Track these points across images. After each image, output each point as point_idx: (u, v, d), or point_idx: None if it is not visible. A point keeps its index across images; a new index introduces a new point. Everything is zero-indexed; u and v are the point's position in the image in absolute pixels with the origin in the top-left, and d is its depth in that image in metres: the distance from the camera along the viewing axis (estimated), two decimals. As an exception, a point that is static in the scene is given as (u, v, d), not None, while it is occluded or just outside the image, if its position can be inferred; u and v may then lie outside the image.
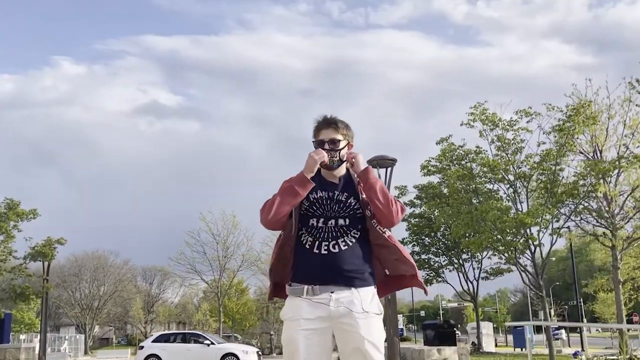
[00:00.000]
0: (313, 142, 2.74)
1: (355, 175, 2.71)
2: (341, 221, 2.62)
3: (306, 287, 2.57)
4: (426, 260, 28.38)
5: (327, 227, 2.61)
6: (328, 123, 2.74)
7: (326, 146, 2.68)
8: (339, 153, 2.69)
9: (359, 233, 2.62)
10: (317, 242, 2.59)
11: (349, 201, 2.68)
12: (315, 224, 2.62)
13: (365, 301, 2.57)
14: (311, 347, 2.53)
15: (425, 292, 2.70)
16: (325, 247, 2.57)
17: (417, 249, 28.14)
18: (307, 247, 2.60)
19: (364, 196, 2.63)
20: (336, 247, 2.58)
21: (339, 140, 2.71)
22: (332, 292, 2.55)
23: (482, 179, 19.66)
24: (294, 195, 2.60)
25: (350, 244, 2.60)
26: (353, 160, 2.68)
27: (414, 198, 25.11)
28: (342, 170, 2.77)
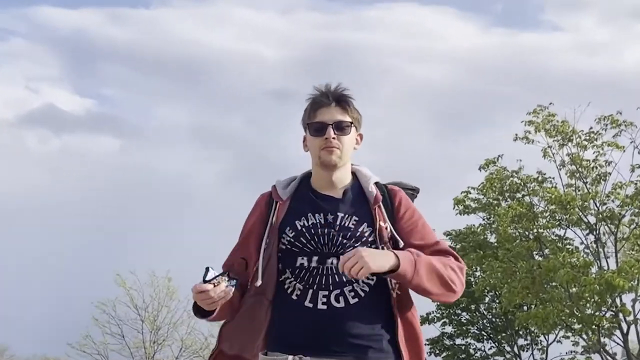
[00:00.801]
0: (307, 125, 2.73)
1: (370, 189, 2.72)
2: None
3: (291, 358, 2.61)
4: (463, 348, 26.88)
5: (325, 269, 2.62)
6: (334, 98, 2.71)
7: (330, 132, 2.65)
8: (345, 144, 2.72)
9: (374, 278, 2.62)
10: (310, 292, 2.62)
11: (359, 229, 2.66)
12: (306, 264, 2.63)
13: None
14: None
15: None
16: (324, 300, 2.60)
17: (449, 329, 26.80)
18: (295, 298, 2.64)
19: (385, 225, 2.68)
20: (340, 299, 2.61)
21: (349, 126, 2.70)
22: None
23: (549, 220, 19.35)
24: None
25: (362, 294, 2.62)
26: (357, 272, 2.50)
27: (445, 251, 23.86)
28: (345, 178, 2.75)
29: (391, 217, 2.73)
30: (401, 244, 2.66)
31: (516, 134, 18.67)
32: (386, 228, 2.69)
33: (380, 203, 2.73)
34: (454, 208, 21.16)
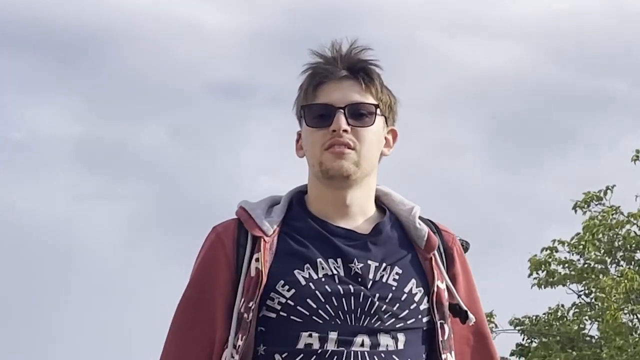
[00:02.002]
0: (302, 110, 2.12)
1: (419, 225, 2.12)
2: (386, 339, 2.03)
3: None
4: None
5: (350, 355, 2.02)
6: (347, 66, 2.11)
7: (340, 120, 2.04)
8: (365, 143, 2.07)
9: None
10: None
11: (405, 289, 2.06)
12: (316, 345, 2.02)
13: None
14: None
15: None
16: None
17: None
18: None
19: (443, 287, 2.10)
20: None
21: (372, 112, 2.07)
22: None
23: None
24: None
25: None
26: None
27: (515, 351, 19.63)
28: (367, 203, 2.12)
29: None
30: (472, 320, 2.07)
31: (637, 152, 15.49)
32: (445, 291, 2.06)
33: (436, 251, 2.13)
34: (530, 275, 16.69)
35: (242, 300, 1.93)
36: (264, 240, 1.95)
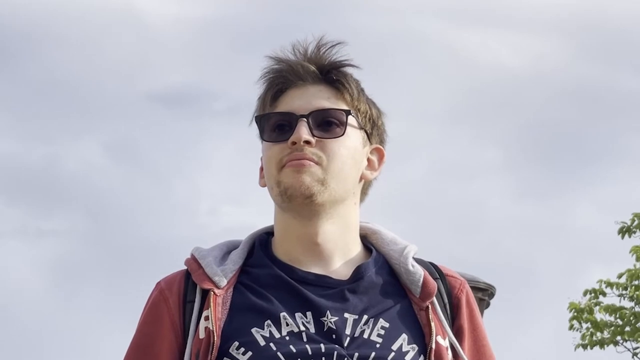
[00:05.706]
0: (258, 122, 1.97)
1: (412, 267, 1.95)
2: None
3: None
4: None
5: None
6: (314, 69, 1.96)
7: (301, 131, 1.89)
8: (335, 158, 1.90)
9: None
10: None
11: (393, 347, 1.94)
12: None
13: None
14: None
15: None
16: None
17: None
18: None
19: (446, 345, 1.92)
20: None
21: (343, 122, 1.91)
22: None
23: None
24: None
25: None
26: None
27: None
28: (346, 239, 1.95)
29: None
30: None
31: None
32: (448, 349, 1.90)
33: (435, 299, 1.95)
34: (571, 327, 14.80)
35: None
36: (214, 293, 1.81)
